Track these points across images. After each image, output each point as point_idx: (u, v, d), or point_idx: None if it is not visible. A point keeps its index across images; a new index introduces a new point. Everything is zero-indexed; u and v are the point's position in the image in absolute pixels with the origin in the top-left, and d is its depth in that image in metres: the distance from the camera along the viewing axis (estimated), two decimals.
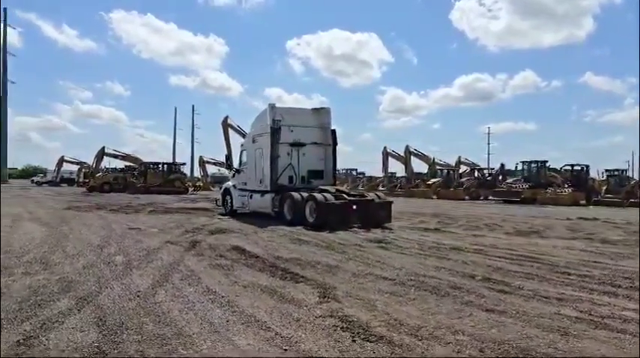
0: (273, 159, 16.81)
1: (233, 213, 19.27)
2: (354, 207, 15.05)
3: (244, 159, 19.21)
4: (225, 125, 52.69)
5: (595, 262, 9.06)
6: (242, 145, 19.90)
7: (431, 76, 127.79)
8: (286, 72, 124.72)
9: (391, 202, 16.17)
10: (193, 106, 75.77)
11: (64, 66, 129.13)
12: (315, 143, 17.87)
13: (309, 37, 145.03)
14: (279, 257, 9.16)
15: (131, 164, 51.04)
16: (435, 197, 40.76)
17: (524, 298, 6.23)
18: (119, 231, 13.27)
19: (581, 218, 20.15)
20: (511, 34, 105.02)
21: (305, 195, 15.48)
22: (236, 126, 53.62)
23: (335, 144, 18.07)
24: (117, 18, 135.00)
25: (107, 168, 52.31)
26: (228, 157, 21.03)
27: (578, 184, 34.46)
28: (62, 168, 64.37)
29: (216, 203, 21.86)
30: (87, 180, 49.25)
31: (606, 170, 38.00)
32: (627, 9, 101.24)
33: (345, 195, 15.51)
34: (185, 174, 51.32)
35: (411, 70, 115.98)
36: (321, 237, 12.02)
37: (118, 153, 51.02)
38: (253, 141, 18.29)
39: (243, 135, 54.71)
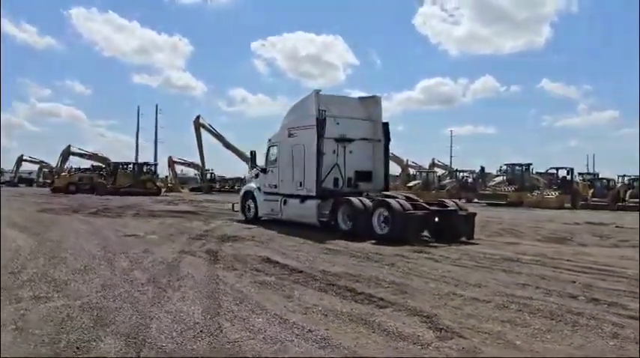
0: (320, 157, 13.82)
1: (255, 221, 16.22)
2: (436, 219, 12.44)
3: (273, 156, 15.91)
4: (197, 124, 50.89)
5: None
6: (270, 140, 16.27)
7: (394, 79, 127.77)
8: (251, 72, 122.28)
9: (475, 214, 13.19)
10: (157, 106, 72.89)
11: (22, 63, 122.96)
12: (365, 139, 15.01)
13: (274, 38, 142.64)
14: (325, 271, 7.90)
15: (99, 164, 48.36)
16: None
17: None
18: (115, 239, 11.71)
19: (588, 222, 19.62)
20: (472, 39, 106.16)
21: (367, 201, 12.80)
22: (208, 126, 51.98)
23: (388, 140, 15.25)
24: (77, 15, 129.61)
25: (73, 168, 49.37)
26: (253, 154, 16.97)
27: (564, 187, 34.33)
28: (20, 168, 60.78)
29: (232, 208, 18.68)
30: (49, 181, 46.38)
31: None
32: (583, 18, 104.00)
33: (422, 203, 12.73)
34: (157, 175, 49.05)
35: (375, 72, 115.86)
36: (347, 245, 10.81)
37: (84, 153, 48.26)
38: (290, 135, 14.96)
39: (216, 135, 53.49)
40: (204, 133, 51.01)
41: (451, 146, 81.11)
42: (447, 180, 46.80)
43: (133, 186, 40.71)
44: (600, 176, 41.78)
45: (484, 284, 7.15)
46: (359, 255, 9.69)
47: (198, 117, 50.15)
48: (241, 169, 63.46)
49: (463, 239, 12.40)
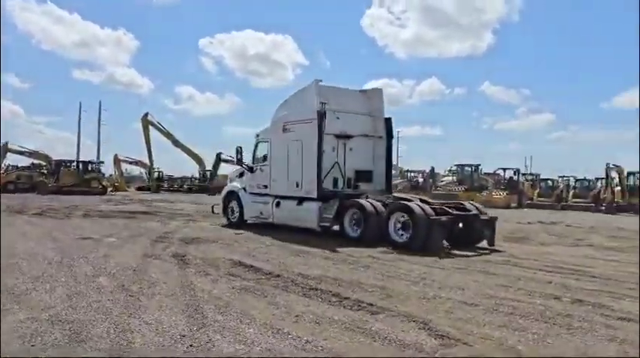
0: (320, 155, 12.51)
1: (240, 225, 14.69)
2: (460, 224, 11.30)
3: (263, 153, 14.56)
4: (146, 122, 49.20)
5: None
6: (258, 136, 14.84)
7: (343, 80, 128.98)
8: (199, 70, 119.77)
9: (496, 218, 11.89)
10: (100, 102, 70.06)
11: None
12: (365, 135, 13.79)
13: (222, 35, 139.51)
14: (303, 275, 7.63)
15: (40, 162, 45.80)
16: None
17: None
18: (70, 242, 10.98)
19: (540, 222, 20.29)
20: (419, 42, 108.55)
21: (379, 204, 11.54)
22: (157, 124, 50.36)
23: (391, 137, 14.11)
24: (12, 4, 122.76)
25: (10, 166, 46.51)
26: (240, 150, 14.87)
27: (510, 187, 35.47)
28: None
29: (212, 210, 17.08)
30: None
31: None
32: (523, 24, 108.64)
33: (443, 207, 11.36)
34: (103, 174, 47.04)
35: (324, 73, 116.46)
36: (317, 245, 10.58)
37: (24, 150, 45.53)
38: (284, 131, 13.50)
39: (165, 133, 51.84)
40: (152, 131, 49.37)
41: (398, 146, 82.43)
42: (398, 181, 47.37)
43: (77, 185, 38.87)
44: (541, 177, 43.52)
45: (466, 286, 7.09)
46: (327, 256, 9.50)
47: (146, 115, 48.41)
48: (190, 168, 62.14)
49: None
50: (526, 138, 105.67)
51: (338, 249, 10.29)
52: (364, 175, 13.58)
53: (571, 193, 34.67)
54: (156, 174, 52.94)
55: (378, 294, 6.48)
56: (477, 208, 11.89)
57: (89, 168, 42.51)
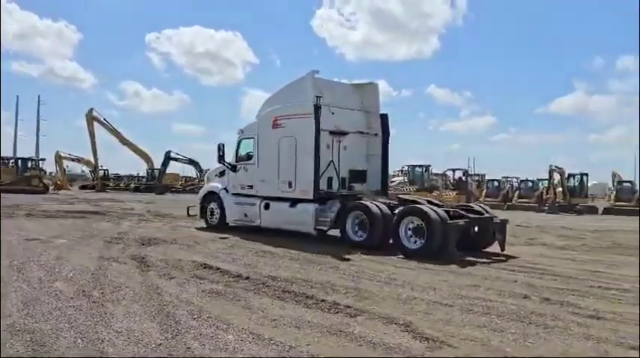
0: (318, 153, 11.63)
1: (219, 228, 13.61)
2: (476, 228, 10.47)
3: (243, 151, 13.54)
4: (90, 118, 47.36)
5: None
6: (241, 132, 13.70)
7: (292, 80, 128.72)
8: (145, 66, 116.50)
9: (507, 221, 11.21)
10: (39, 96, 66.90)
11: None
12: (360, 132, 12.94)
13: (170, 31, 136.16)
14: (272, 277, 7.44)
15: None
16: None
17: None
18: (16, 244, 10.29)
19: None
20: (368, 44, 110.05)
21: (385, 207, 10.71)
22: (103, 120, 48.58)
23: (387, 134, 13.19)
24: None
25: None
26: (222, 147, 13.80)
27: (459, 188, 36.36)
28: None
29: (187, 212, 15.96)
30: None
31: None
32: (467, 30, 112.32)
33: (455, 210, 10.71)
34: (45, 172, 44.80)
35: (274, 72, 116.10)
36: (279, 245, 10.40)
37: None
38: (275, 126, 12.50)
39: (111, 130, 49.93)
40: (97, 128, 47.56)
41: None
42: None
43: (16, 183, 36.90)
44: (486, 177, 44.91)
45: (436, 286, 7.12)
46: (293, 256, 9.36)
47: (91, 111, 46.61)
48: (137, 166, 60.33)
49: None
50: (469, 140, 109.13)
51: (304, 250, 10.13)
52: (358, 175, 12.80)
53: (516, 194, 35.89)
54: (101, 173, 51.01)
55: (353, 296, 6.39)
56: (486, 210, 11.22)
57: (29, 166, 40.42)
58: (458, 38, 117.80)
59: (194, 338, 4.56)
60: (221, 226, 13.67)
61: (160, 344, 4.38)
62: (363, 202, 11.14)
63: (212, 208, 14.26)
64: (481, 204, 11.88)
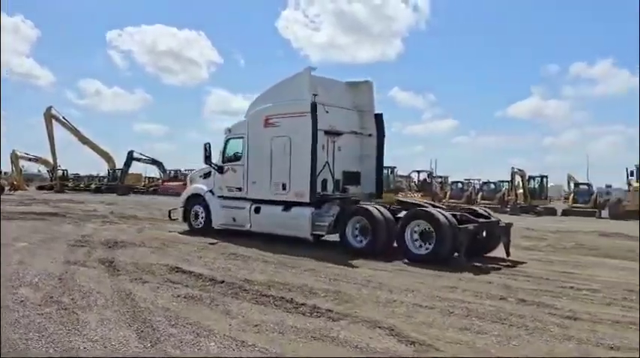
0: (315, 154, 11.08)
1: (204, 232, 12.86)
2: (484, 233, 10.23)
3: (234, 151, 12.83)
4: (49, 117, 45.82)
5: None
6: (229, 131, 13.03)
7: (257, 80, 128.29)
8: (106, 64, 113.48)
9: (512, 225, 10.92)
10: None
11: None
12: (355, 132, 12.43)
13: (132, 29, 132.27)
14: (248, 280, 7.30)
15: None
16: None
17: None
18: None
19: None
20: (332, 47, 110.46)
21: (384, 210, 10.23)
22: (62, 119, 47.09)
23: (383, 134, 12.61)
24: None
25: None
26: (208, 147, 13.04)
27: (424, 189, 36.84)
28: None
29: (169, 215, 15.10)
30: None
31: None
32: (429, 35, 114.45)
33: (463, 213, 10.29)
34: (0, 171, 43.05)
35: (239, 72, 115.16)
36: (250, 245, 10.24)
37: None
38: (267, 125, 11.91)
39: (71, 129, 48.36)
40: (56, 126, 46.08)
41: None
42: None
43: None
44: (449, 179, 45.71)
45: (414, 288, 7.12)
46: (266, 259, 9.22)
47: (50, 109, 45.09)
48: (97, 166, 58.72)
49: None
50: (431, 142, 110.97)
51: (276, 253, 10.00)
52: (352, 177, 12.29)
53: (479, 195, 36.60)
54: (60, 173, 49.41)
55: (332, 299, 6.31)
56: (489, 213, 10.88)
57: None
58: (421, 42, 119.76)
59: (175, 347, 4.39)
60: (207, 230, 12.96)
61: (138, 353, 4.19)
62: (364, 206, 10.61)
63: (197, 211, 13.51)
64: (485, 209, 11.57)
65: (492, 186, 37.70)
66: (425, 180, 38.66)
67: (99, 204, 25.60)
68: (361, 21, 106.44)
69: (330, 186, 11.67)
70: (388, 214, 10.22)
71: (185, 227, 13.75)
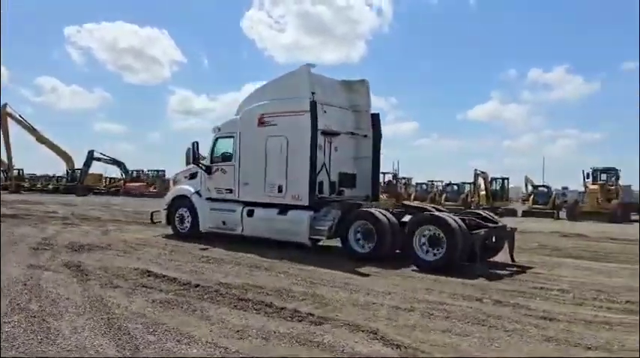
0: (314, 154, 10.65)
1: (190, 236, 12.24)
2: (494, 238, 9.96)
3: (223, 151, 12.22)
4: (4, 114, 44.08)
5: None
6: (218, 129, 12.34)
7: (221, 81, 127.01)
8: (64, 61, 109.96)
9: (516, 229, 10.75)
10: None
11: None
12: (351, 133, 12.02)
13: (91, 25, 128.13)
14: (223, 284, 7.17)
15: None
16: None
17: None
18: None
19: None
20: (297, 48, 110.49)
21: (389, 215, 9.87)
22: (18, 117, 45.45)
23: (379, 136, 12.20)
24: None
25: None
26: (196, 146, 12.40)
27: (389, 191, 37.17)
28: None
29: (151, 219, 14.52)
30: None
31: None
32: (392, 38, 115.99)
33: (472, 218, 9.90)
34: None
35: (202, 72, 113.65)
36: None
37: None
38: (262, 124, 11.34)
39: (28, 128, 46.56)
40: (11, 125, 44.40)
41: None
42: None
43: None
44: (413, 181, 46.33)
45: (391, 290, 7.13)
46: (240, 262, 9.08)
47: (5, 106, 43.38)
48: (55, 166, 56.81)
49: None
50: (394, 144, 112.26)
51: (248, 252, 9.87)
52: (348, 179, 11.86)
53: (443, 196, 37.22)
54: (15, 173, 47.59)
55: (312, 303, 6.25)
56: (493, 216, 10.64)
57: None
58: (384, 45, 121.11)
59: (156, 354, 4.25)
60: (194, 234, 12.30)
61: None
62: (368, 209, 10.15)
63: (182, 214, 12.79)
64: (489, 212, 11.38)
65: (455, 187, 38.35)
66: (390, 181, 38.99)
67: (58, 206, 24.79)
68: (325, 23, 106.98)
69: (326, 189, 11.25)
70: (393, 218, 9.87)
71: (167, 231, 13.13)
